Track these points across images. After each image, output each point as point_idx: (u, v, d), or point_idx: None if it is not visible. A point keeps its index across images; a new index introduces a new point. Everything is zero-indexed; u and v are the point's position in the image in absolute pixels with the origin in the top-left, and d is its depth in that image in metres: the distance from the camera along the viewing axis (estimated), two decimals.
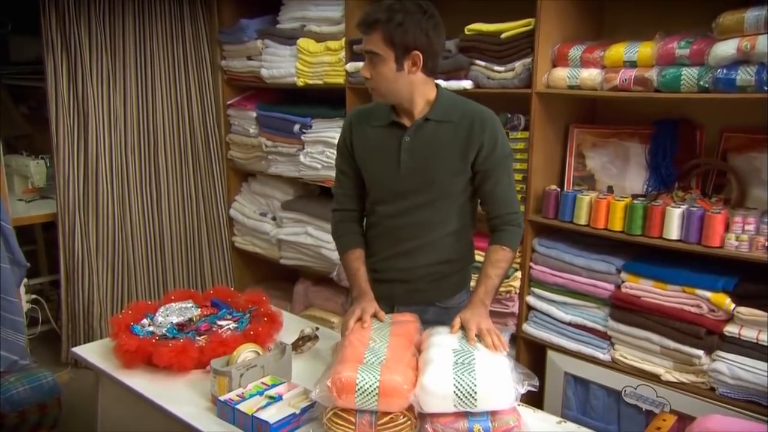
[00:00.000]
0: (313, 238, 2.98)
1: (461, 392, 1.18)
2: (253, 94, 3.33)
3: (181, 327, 1.63)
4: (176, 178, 3.26)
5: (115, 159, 3.02)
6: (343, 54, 2.69)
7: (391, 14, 1.43)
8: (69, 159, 2.91)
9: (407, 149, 1.53)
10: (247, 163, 3.33)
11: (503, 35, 2.17)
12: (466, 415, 1.20)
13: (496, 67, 2.21)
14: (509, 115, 2.25)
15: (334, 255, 2.95)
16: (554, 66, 2.12)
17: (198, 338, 1.57)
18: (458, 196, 1.57)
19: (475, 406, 1.19)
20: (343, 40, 2.69)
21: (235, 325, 1.65)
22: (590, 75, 2.01)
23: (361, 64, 2.60)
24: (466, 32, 2.28)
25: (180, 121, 3.22)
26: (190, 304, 1.74)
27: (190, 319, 1.67)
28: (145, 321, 1.64)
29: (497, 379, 1.23)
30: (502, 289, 2.32)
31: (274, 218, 3.26)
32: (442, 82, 2.29)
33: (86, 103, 2.88)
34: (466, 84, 2.28)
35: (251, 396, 1.33)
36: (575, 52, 2.05)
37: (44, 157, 3.32)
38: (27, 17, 3.00)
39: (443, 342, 1.34)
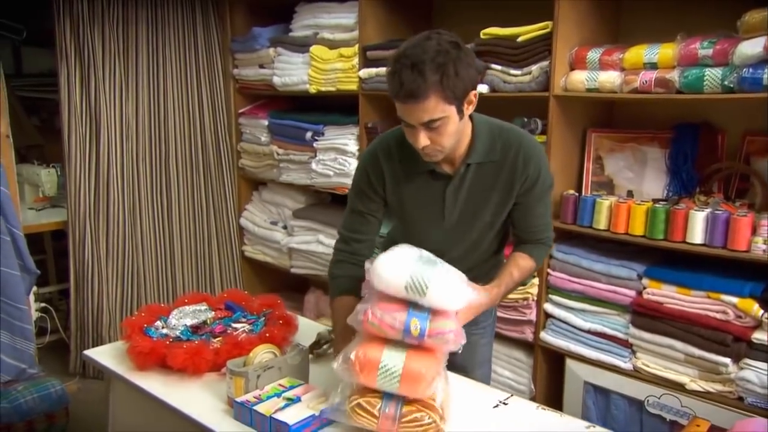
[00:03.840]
0: (325, 246, 2.94)
1: (414, 281, 1.16)
2: (264, 102, 3.33)
3: (195, 329, 1.60)
4: (187, 186, 3.25)
5: (126, 167, 3.01)
6: (356, 60, 2.69)
7: (441, 69, 1.22)
8: (80, 167, 2.90)
9: (452, 200, 1.44)
10: (258, 171, 3.32)
11: (520, 39, 2.16)
12: (408, 308, 1.17)
13: (513, 71, 2.20)
14: (526, 119, 2.23)
15: None
16: (572, 69, 2.10)
17: (212, 340, 1.53)
18: (493, 228, 1.51)
19: (424, 296, 1.15)
20: (357, 46, 2.68)
21: (250, 328, 1.61)
22: (609, 77, 1.98)
23: (373, 70, 2.66)
24: (482, 36, 2.27)
25: (191, 130, 3.22)
26: (204, 307, 1.70)
27: (204, 322, 1.64)
28: (158, 323, 1.60)
29: (453, 281, 1.19)
30: (518, 296, 2.27)
31: (285, 227, 3.23)
32: None
33: (98, 111, 2.88)
34: (482, 88, 2.26)
35: (269, 397, 1.29)
36: (593, 54, 2.03)
37: (55, 165, 3.33)
38: (39, 29, 3.02)
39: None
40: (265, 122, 3.17)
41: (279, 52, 2.99)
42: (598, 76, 2.01)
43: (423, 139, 1.30)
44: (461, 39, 1.29)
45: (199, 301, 1.75)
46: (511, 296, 2.29)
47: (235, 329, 1.61)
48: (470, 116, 1.39)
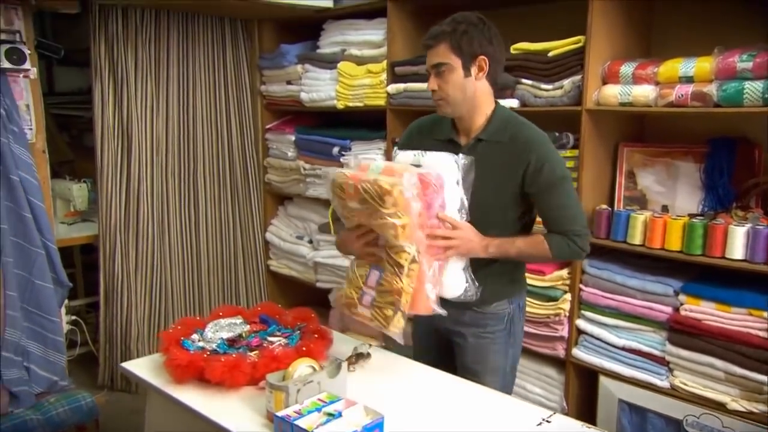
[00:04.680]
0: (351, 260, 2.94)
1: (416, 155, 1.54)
2: (290, 118, 3.37)
3: (231, 342, 1.60)
4: (214, 201, 3.28)
5: (156, 182, 3.05)
6: (384, 76, 2.71)
7: (455, 25, 1.52)
8: (112, 182, 2.94)
9: None
10: (284, 186, 3.34)
11: (551, 53, 2.16)
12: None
13: (544, 86, 2.19)
14: (557, 134, 2.22)
15: None
16: (605, 83, 2.09)
17: (249, 354, 1.54)
18: (504, 213, 1.58)
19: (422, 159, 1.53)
20: (385, 62, 2.70)
21: (286, 341, 1.61)
22: (643, 91, 1.97)
23: (401, 85, 2.68)
24: (512, 51, 2.28)
25: (219, 146, 3.26)
26: (239, 320, 1.71)
27: (240, 335, 1.64)
28: (194, 336, 1.61)
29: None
30: (550, 311, 2.25)
31: (310, 241, 3.25)
32: None
33: (130, 127, 2.93)
34: (513, 103, 2.26)
35: (309, 412, 1.28)
36: (627, 68, 2.02)
37: (86, 180, 3.38)
38: (69, 49, 3.08)
39: None
40: (292, 137, 3.20)
41: (307, 68, 3.03)
42: (632, 90, 2.00)
43: (432, 83, 1.55)
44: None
45: (234, 315, 1.75)
46: (542, 311, 2.27)
47: (271, 342, 1.61)
48: (496, 103, 1.60)
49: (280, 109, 3.34)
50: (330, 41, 2.96)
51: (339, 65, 2.84)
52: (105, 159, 2.91)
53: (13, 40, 2.40)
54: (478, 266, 1.57)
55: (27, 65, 2.45)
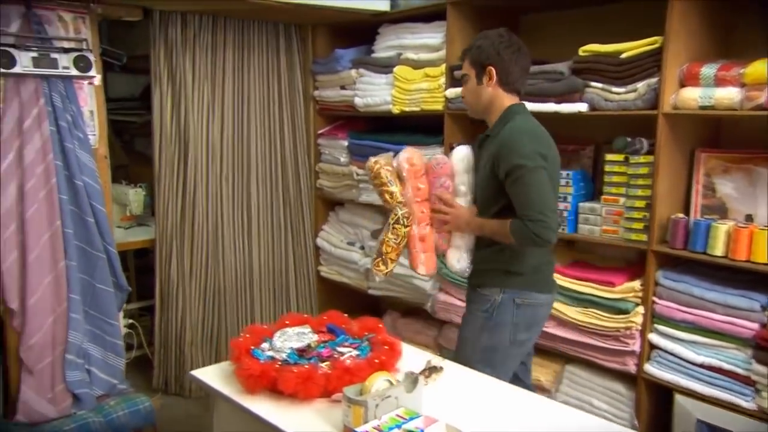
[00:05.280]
0: (405, 267, 2.88)
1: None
2: (342, 123, 3.35)
3: (301, 352, 1.57)
4: (266, 206, 3.28)
5: (211, 187, 3.06)
6: (442, 80, 2.66)
7: (474, 41, 1.84)
8: (169, 187, 2.97)
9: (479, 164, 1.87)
10: (335, 191, 3.32)
11: (624, 55, 2.07)
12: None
13: (615, 89, 2.11)
14: (629, 139, 2.13)
15: (427, 285, 2.86)
16: (683, 86, 1.99)
17: (321, 365, 1.50)
18: (493, 202, 1.79)
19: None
20: (443, 66, 2.65)
21: (356, 353, 1.57)
22: (728, 94, 1.87)
23: (459, 89, 2.61)
24: (581, 54, 2.20)
25: (272, 151, 3.26)
26: (307, 330, 1.67)
27: (309, 345, 1.61)
28: (264, 345, 1.58)
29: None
30: (620, 324, 2.15)
31: (362, 247, 3.21)
32: (554, 106, 2.23)
33: (187, 133, 2.95)
34: (581, 107, 2.18)
35: (389, 429, 1.23)
36: (708, 70, 1.92)
37: (141, 185, 3.43)
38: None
39: None
40: (345, 143, 3.18)
41: (361, 73, 3.00)
42: (714, 92, 1.89)
43: (462, 91, 1.93)
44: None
45: (301, 323, 1.73)
46: (610, 324, 2.18)
47: (341, 353, 1.57)
48: (511, 107, 1.81)
49: (333, 114, 3.32)
50: (385, 45, 2.93)
51: (395, 69, 2.80)
52: (162, 164, 2.94)
53: (81, 48, 2.44)
54: (477, 250, 1.88)
55: (93, 72, 2.49)
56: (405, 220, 1.84)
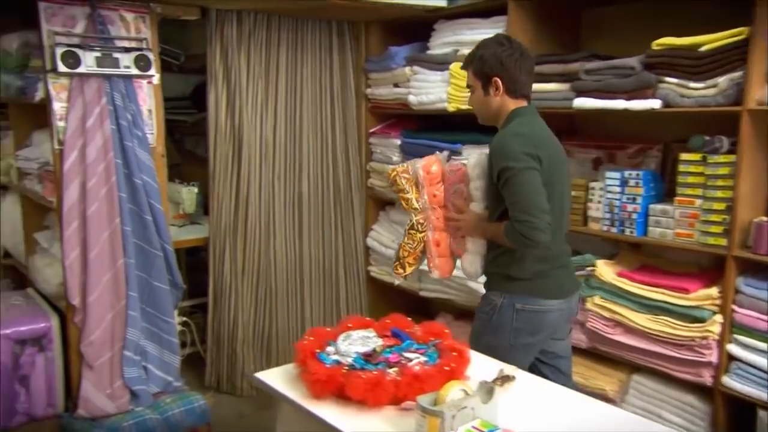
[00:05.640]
0: (459, 269, 2.82)
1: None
2: (394, 121, 3.30)
3: (367, 357, 1.52)
4: (317, 205, 3.26)
5: (264, 186, 3.06)
6: None
7: (476, 52, 1.84)
8: (223, 186, 2.98)
9: None
10: (386, 191, 3.27)
11: (703, 48, 1.95)
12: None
13: (693, 84, 1.99)
14: (707, 138, 2.01)
15: (482, 288, 2.78)
16: None
17: (389, 371, 1.45)
18: (496, 206, 1.81)
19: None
20: None
21: (424, 359, 1.51)
22: None
23: None
24: (654, 47, 2.08)
25: (323, 149, 3.24)
26: (372, 334, 1.63)
27: (374, 350, 1.56)
28: (329, 348, 1.54)
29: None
30: (696, 334, 2.03)
31: None
32: (623, 103, 2.13)
33: (241, 131, 2.95)
34: (654, 103, 2.07)
35: None
36: None
37: (194, 183, 3.46)
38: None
39: None
40: (398, 141, 3.13)
41: (416, 70, 2.94)
42: None
43: (468, 100, 1.94)
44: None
45: (364, 327, 1.68)
46: (684, 333, 2.06)
47: (408, 359, 1.51)
48: (512, 111, 1.83)
49: (385, 113, 3.27)
50: (441, 42, 2.86)
51: (451, 66, 2.73)
52: (217, 162, 2.95)
53: (141, 47, 2.46)
54: (487, 259, 1.90)
55: (152, 71, 2.51)
56: (420, 226, 1.93)
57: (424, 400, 1.25)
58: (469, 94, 1.90)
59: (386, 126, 3.29)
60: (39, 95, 2.41)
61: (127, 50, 2.43)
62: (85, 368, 2.50)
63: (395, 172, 1.95)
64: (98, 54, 2.36)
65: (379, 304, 3.48)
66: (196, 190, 3.44)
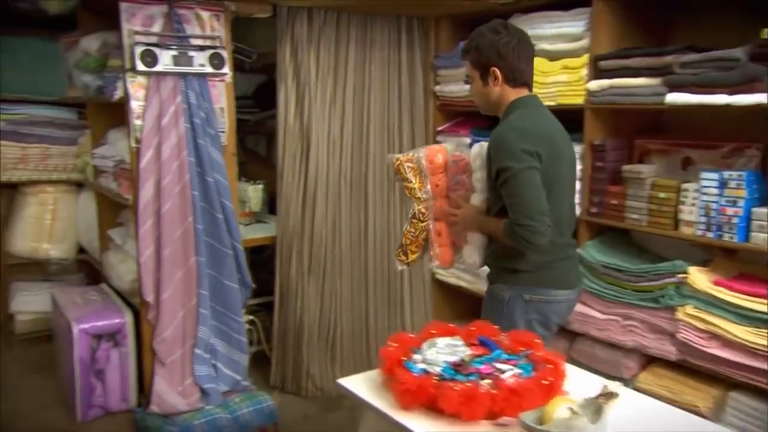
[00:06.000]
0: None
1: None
2: (463, 119, 3.20)
3: (456, 367, 1.44)
4: (382, 205, 3.20)
5: (331, 185, 3.02)
6: (584, 72, 2.44)
7: (471, 41, 1.80)
8: (291, 184, 2.95)
9: None
10: None
11: None
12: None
13: None
14: None
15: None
16: None
17: (482, 383, 1.36)
18: (495, 200, 1.79)
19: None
20: (586, 56, 2.44)
21: (519, 371, 1.41)
22: None
23: (606, 81, 2.38)
24: (764, 36, 1.91)
25: (390, 148, 3.17)
26: (459, 342, 1.54)
27: (463, 359, 1.47)
28: (416, 356, 1.47)
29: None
30: None
31: None
32: (725, 98, 1.97)
33: (310, 129, 2.92)
34: (761, 98, 1.90)
35: None
36: None
37: (260, 182, 3.46)
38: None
39: None
40: (467, 139, 3.03)
41: None
42: None
43: (469, 89, 1.93)
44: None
45: (449, 334, 1.60)
46: (760, 340, 1.89)
47: (501, 371, 1.42)
48: (512, 102, 1.79)
49: (454, 110, 3.18)
50: None
51: None
52: (286, 161, 2.93)
53: (215, 46, 2.46)
54: (489, 246, 1.87)
55: (225, 69, 2.51)
56: (421, 215, 1.95)
57: (528, 417, 1.16)
58: (470, 85, 1.88)
59: (455, 124, 3.19)
60: (118, 94, 2.44)
61: (201, 48, 2.44)
62: (158, 365, 2.53)
63: (399, 161, 1.96)
64: (174, 52, 2.38)
65: (444, 307, 3.39)
66: (261, 188, 3.44)
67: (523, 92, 1.80)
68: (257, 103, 3.98)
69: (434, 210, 1.94)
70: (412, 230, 1.97)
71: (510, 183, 1.66)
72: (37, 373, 3.12)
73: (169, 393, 2.50)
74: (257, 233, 3.23)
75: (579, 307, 2.54)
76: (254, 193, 3.42)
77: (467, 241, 1.92)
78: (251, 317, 3.08)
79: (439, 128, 3.24)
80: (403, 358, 1.46)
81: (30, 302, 3.42)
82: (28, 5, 3.06)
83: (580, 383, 1.45)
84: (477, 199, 1.87)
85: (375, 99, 3.09)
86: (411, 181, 1.94)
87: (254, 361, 3.20)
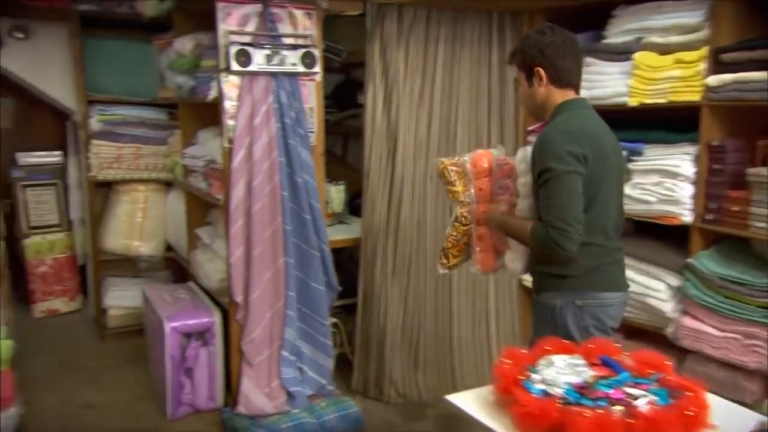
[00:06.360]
0: (637, 284, 2.52)
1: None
2: None
3: (581, 390, 1.31)
4: None
5: (417, 186, 2.93)
6: (701, 66, 2.23)
7: (518, 45, 1.82)
8: (377, 184, 2.89)
9: None
10: None
11: None
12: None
13: None
14: None
15: (666, 306, 2.45)
16: None
17: (613, 409, 1.23)
18: (538, 204, 1.72)
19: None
20: (704, 49, 2.23)
21: (653, 397, 1.27)
22: None
23: (728, 76, 2.14)
24: None
25: (478, 147, 3.02)
26: (580, 361, 1.41)
27: (587, 381, 1.34)
28: (534, 376, 1.35)
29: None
30: None
31: None
32: None
33: (397, 128, 2.85)
34: None
35: None
36: None
37: (341, 182, 3.42)
38: None
39: None
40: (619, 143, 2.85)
41: (588, 62, 2.65)
42: None
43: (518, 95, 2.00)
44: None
45: (565, 351, 1.47)
46: None
47: (633, 397, 1.28)
48: (560, 105, 1.77)
49: None
50: (622, 29, 2.56)
51: (635, 56, 2.43)
52: (373, 161, 2.87)
53: (307, 44, 2.43)
54: (533, 252, 1.82)
55: (316, 68, 2.47)
56: (463, 219, 1.94)
57: None
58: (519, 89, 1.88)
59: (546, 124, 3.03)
60: (212, 94, 2.46)
61: (294, 47, 2.41)
62: (245, 365, 2.52)
63: (443, 164, 1.97)
64: (268, 52, 2.36)
65: (531, 315, 3.22)
66: (343, 188, 3.41)
67: (570, 94, 1.77)
68: (335, 103, 3.96)
69: (477, 214, 1.94)
70: (455, 234, 1.98)
71: (551, 184, 1.63)
72: (129, 366, 3.21)
73: (256, 394, 2.49)
74: (339, 234, 3.19)
75: (690, 322, 2.35)
76: (337, 193, 3.39)
77: (510, 247, 1.90)
78: (334, 320, 3.03)
79: (530, 128, 3.08)
80: (520, 376, 1.35)
81: (121, 297, 3.54)
82: (126, 9, 3.15)
83: (723, 414, 1.29)
84: (523, 204, 1.82)
85: (463, 98, 2.98)
86: (455, 185, 1.95)
87: (335, 365, 3.17)
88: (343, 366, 3.13)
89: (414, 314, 3.00)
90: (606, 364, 1.43)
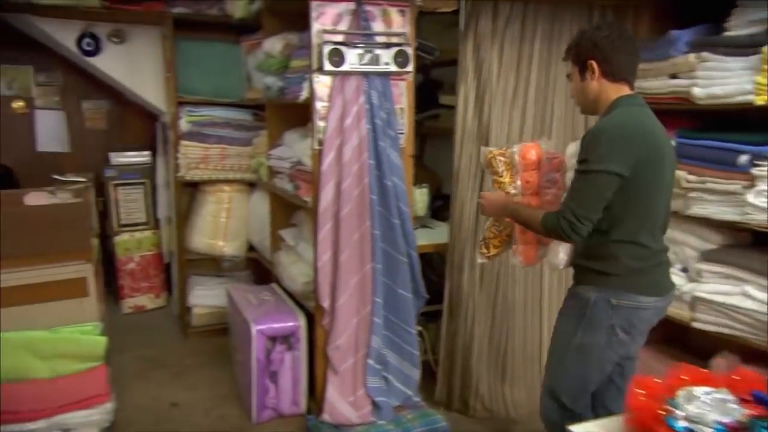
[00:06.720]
0: (755, 301, 2.27)
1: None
2: (666, 119, 2.78)
3: (733, 431, 1.14)
4: None
5: None
6: None
7: (572, 41, 1.82)
8: (467, 187, 2.76)
9: None
10: None
11: None
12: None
13: None
14: None
15: None
16: None
17: None
18: None
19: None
20: None
21: None
22: None
23: None
24: None
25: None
26: (728, 396, 1.24)
27: (739, 422, 1.17)
28: (677, 412, 1.19)
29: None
30: None
31: (685, 269, 2.64)
32: None
33: (489, 129, 2.71)
34: None
35: None
36: None
37: (425, 185, 3.32)
38: None
39: None
40: (672, 142, 2.62)
41: (705, 57, 2.42)
42: None
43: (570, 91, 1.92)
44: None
45: (702, 381, 1.29)
46: None
47: None
48: (615, 100, 1.75)
49: (654, 109, 2.78)
50: (746, 20, 2.31)
51: (763, 49, 2.18)
52: (462, 163, 2.74)
53: (400, 43, 2.34)
54: (576, 247, 1.84)
55: (409, 68, 2.38)
56: None
57: None
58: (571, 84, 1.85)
59: None
60: (303, 95, 2.41)
61: (387, 46, 2.33)
62: (330, 372, 2.47)
63: (491, 154, 1.96)
64: (360, 51, 2.29)
65: None
66: (426, 191, 3.30)
67: (624, 90, 1.76)
68: (415, 103, 3.84)
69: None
70: (497, 224, 2.00)
71: (582, 176, 1.66)
72: (212, 365, 3.24)
73: (341, 402, 2.43)
74: (423, 239, 3.07)
75: None
76: (420, 197, 3.28)
77: (554, 240, 1.87)
78: (419, 328, 2.93)
79: None
80: (660, 411, 1.19)
81: (205, 296, 3.58)
82: (216, 11, 3.18)
83: None
84: None
85: (559, 98, 2.80)
86: (502, 176, 1.95)
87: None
88: (425, 375, 3.03)
89: (502, 324, 2.86)
90: (760, 400, 1.24)
